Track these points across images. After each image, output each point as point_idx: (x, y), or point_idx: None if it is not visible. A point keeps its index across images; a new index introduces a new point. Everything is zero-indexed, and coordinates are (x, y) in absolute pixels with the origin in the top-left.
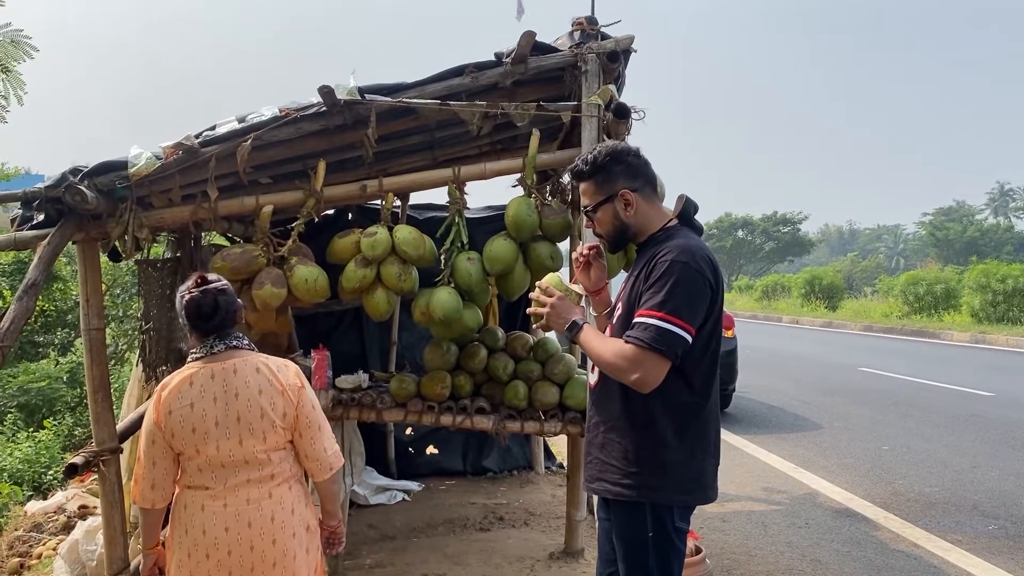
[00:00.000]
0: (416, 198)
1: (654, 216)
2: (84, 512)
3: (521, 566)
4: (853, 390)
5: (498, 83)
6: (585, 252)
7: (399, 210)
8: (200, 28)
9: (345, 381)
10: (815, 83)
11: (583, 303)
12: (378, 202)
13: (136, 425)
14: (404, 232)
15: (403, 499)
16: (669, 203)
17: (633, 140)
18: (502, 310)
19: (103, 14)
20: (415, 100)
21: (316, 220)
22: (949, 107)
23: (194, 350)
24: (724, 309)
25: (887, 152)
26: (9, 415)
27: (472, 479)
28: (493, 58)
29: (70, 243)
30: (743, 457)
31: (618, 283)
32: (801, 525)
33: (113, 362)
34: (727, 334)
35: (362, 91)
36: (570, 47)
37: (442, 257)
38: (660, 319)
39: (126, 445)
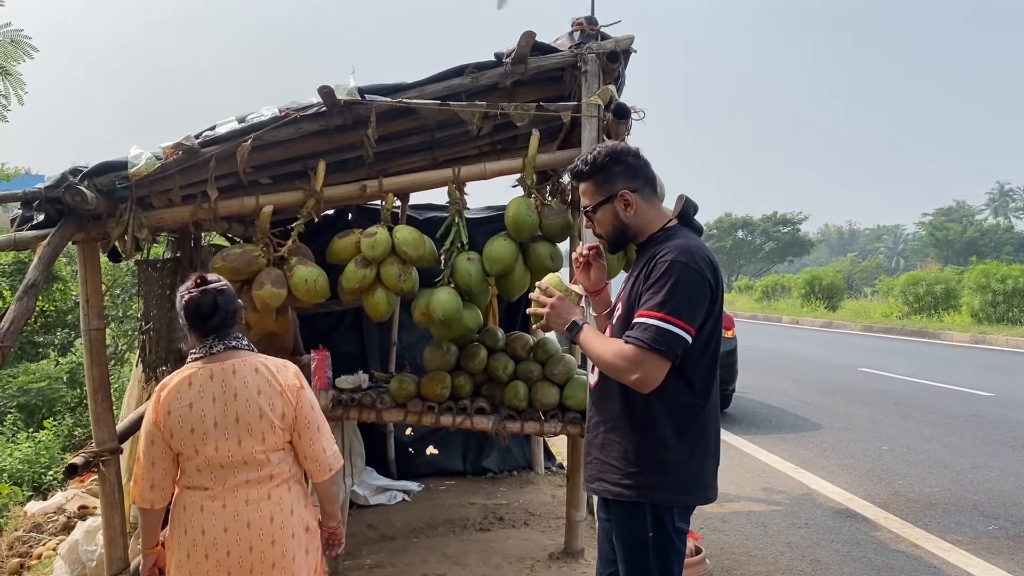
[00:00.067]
0: (416, 198)
1: (654, 216)
2: (84, 512)
3: (521, 566)
4: (853, 390)
5: (498, 83)
6: (585, 252)
7: (399, 210)
8: (200, 28)
9: (345, 381)
10: (815, 82)
11: (583, 303)
12: (378, 202)
13: (136, 425)
14: (404, 232)
15: (403, 499)
16: (669, 203)
17: (633, 140)
18: (502, 310)
19: (103, 14)
20: (415, 100)
21: (316, 220)
22: (949, 106)
23: (193, 350)
24: (724, 309)
25: (887, 151)
26: (9, 415)
27: (472, 479)
28: (493, 58)
29: (70, 243)
30: (743, 457)
31: (618, 283)
32: (801, 525)
33: (113, 362)
34: (727, 334)
35: (362, 91)
36: (570, 47)
37: (442, 257)
38: (660, 319)
39: (126, 445)
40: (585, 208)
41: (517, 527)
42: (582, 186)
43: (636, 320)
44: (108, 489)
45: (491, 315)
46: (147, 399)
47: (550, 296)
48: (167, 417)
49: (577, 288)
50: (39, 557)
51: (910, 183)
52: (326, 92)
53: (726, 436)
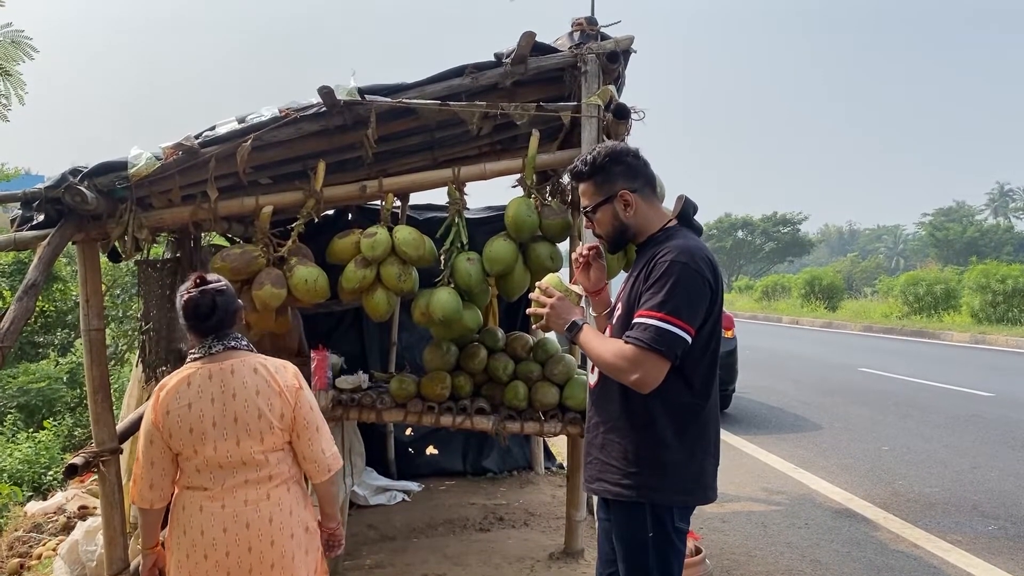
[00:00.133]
0: (416, 198)
1: (653, 217)
2: (84, 512)
3: (521, 566)
4: (853, 390)
5: (498, 83)
6: (585, 253)
7: (399, 210)
8: (200, 28)
9: (345, 382)
10: (815, 83)
11: (583, 303)
12: (378, 202)
13: (136, 425)
14: (404, 233)
15: (403, 500)
16: (669, 203)
17: (633, 140)
18: (502, 311)
19: (103, 14)
20: (415, 100)
21: (316, 220)
22: (949, 107)
23: (193, 350)
24: (724, 309)
25: (887, 152)
26: (9, 416)
27: (472, 479)
28: (493, 59)
29: (70, 244)
30: (743, 457)
31: (618, 283)
32: (801, 525)
33: (113, 362)
34: (727, 334)
35: (362, 91)
36: (570, 48)
37: (442, 257)
38: (660, 319)
39: (126, 446)
40: (585, 208)
41: (517, 527)
42: (582, 186)
43: (636, 320)
44: (108, 489)
45: (491, 315)
46: (147, 399)
47: (550, 296)
48: (166, 417)
49: (577, 288)
50: (39, 557)
51: (910, 183)
52: (326, 92)
53: (726, 436)
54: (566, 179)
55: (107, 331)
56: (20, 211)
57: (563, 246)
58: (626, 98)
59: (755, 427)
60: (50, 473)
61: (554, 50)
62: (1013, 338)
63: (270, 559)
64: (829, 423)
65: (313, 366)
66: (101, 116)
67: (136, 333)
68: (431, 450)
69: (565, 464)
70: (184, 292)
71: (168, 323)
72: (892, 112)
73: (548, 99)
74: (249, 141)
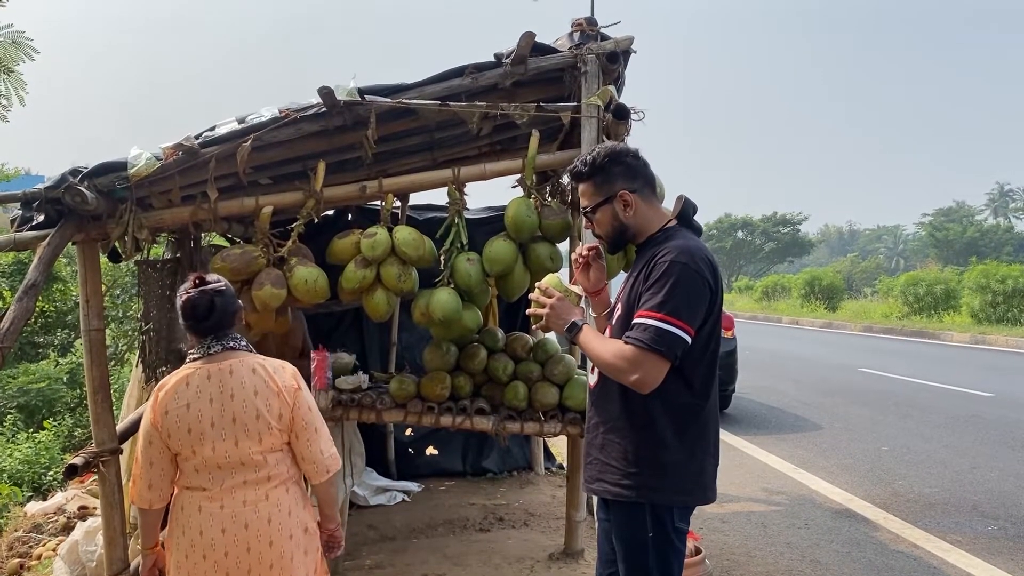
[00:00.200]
0: (416, 199)
1: (653, 217)
2: (84, 513)
3: (521, 567)
4: (853, 391)
5: (498, 84)
6: (584, 253)
7: (399, 211)
8: (200, 28)
9: (345, 382)
10: (815, 83)
11: (583, 304)
12: (378, 203)
13: (136, 426)
14: (404, 233)
15: (403, 500)
16: (668, 204)
17: (633, 141)
18: (502, 311)
19: (103, 14)
20: (415, 101)
21: (316, 221)
22: (949, 107)
23: (192, 351)
24: (724, 310)
25: (887, 152)
26: (9, 416)
27: (472, 480)
28: (493, 59)
29: (70, 244)
30: (743, 458)
31: (617, 284)
32: (801, 526)
33: (113, 363)
34: (727, 335)
35: (362, 92)
36: (570, 48)
37: (442, 258)
38: (659, 320)
39: (126, 446)
40: (584, 209)
41: (517, 527)
42: (581, 187)
43: (635, 321)
44: (108, 489)
45: (491, 315)
46: (147, 399)
47: (550, 296)
48: (165, 417)
49: (577, 288)
50: (39, 557)
51: (910, 184)
52: (326, 93)
53: (726, 436)
54: (566, 179)
55: (107, 331)
56: (20, 211)
57: (563, 246)
58: (626, 98)
59: (755, 427)
60: (50, 473)
61: (554, 50)
62: (1013, 338)
63: (268, 560)
64: (829, 423)
65: (313, 366)
66: (101, 116)
67: (136, 333)
68: (431, 450)
69: (565, 464)
70: (183, 292)
71: (168, 323)
72: (892, 112)
73: (548, 99)
74: (249, 141)
